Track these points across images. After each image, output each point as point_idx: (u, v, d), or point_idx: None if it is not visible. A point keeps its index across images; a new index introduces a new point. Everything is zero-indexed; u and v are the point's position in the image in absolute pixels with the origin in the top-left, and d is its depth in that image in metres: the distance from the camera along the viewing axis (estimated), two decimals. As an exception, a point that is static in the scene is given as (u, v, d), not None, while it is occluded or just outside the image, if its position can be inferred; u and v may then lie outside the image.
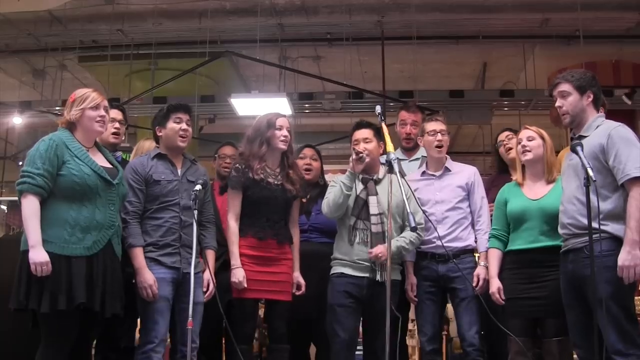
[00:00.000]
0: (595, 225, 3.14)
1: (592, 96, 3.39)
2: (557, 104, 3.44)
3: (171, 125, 3.75)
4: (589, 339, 3.09)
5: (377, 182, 3.91)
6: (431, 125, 4.08)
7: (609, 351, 3.10)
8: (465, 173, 4.08)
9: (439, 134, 4.03)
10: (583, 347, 3.26)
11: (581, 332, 3.25)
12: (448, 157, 4.15)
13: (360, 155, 3.76)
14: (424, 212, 3.87)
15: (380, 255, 3.67)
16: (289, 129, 3.98)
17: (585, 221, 3.15)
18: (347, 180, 3.79)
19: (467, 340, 3.84)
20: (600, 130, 3.32)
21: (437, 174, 4.08)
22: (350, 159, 3.79)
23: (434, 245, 3.92)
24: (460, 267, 3.85)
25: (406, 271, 4.03)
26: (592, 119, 3.39)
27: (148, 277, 3.49)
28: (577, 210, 3.24)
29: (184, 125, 3.77)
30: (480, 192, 4.03)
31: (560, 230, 3.41)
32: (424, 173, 4.13)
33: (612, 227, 3.17)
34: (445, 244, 3.86)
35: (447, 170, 4.08)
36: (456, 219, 3.96)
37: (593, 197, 3.08)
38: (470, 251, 3.97)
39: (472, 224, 4.00)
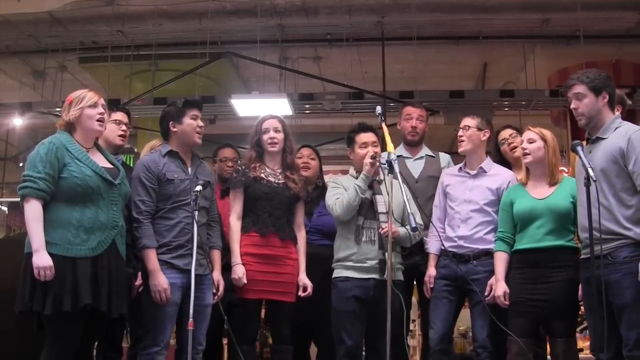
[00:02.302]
0: (620, 230, 3.16)
1: (607, 97, 3.35)
2: (573, 105, 3.40)
3: (188, 121, 3.71)
4: (609, 343, 3.08)
5: (380, 182, 3.93)
6: (460, 123, 4.11)
7: (624, 355, 3.10)
8: (500, 177, 4.02)
9: (461, 129, 4.05)
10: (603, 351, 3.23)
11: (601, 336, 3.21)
12: (488, 157, 4.15)
13: (378, 159, 3.80)
14: (424, 213, 3.90)
15: (386, 232, 3.62)
16: (278, 129, 3.99)
17: (609, 225, 3.16)
18: (362, 184, 3.81)
19: (479, 342, 3.84)
20: (620, 132, 3.29)
21: (472, 172, 4.06)
22: (366, 161, 3.81)
23: (455, 244, 3.92)
24: (480, 269, 3.85)
25: (428, 263, 4.05)
26: (610, 120, 3.35)
27: (162, 280, 3.47)
28: (600, 215, 3.15)
29: (200, 122, 3.75)
30: None
31: (582, 235, 3.37)
32: (460, 169, 4.13)
33: (634, 233, 3.16)
34: (465, 244, 3.90)
35: (483, 170, 4.05)
36: (480, 221, 3.93)
37: (594, 197, 3.09)
38: (492, 254, 3.88)
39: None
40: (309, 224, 4.29)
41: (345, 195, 3.84)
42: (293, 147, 4.14)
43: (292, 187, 3.95)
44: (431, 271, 4.02)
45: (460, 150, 4.08)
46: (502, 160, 4.35)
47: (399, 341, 3.71)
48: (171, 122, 3.73)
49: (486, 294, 3.80)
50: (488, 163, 4.10)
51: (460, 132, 4.05)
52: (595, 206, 3.13)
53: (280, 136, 3.99)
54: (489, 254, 3.88)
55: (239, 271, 3.77)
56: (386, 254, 3.68)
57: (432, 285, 4.00)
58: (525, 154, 3.75)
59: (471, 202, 3.98)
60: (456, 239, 3.92)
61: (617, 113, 3.44)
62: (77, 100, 3.33)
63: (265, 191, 3.89)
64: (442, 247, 3.98)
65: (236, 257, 3.81)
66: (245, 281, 3.76)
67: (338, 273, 3.90)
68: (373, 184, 3.89)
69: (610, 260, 3.15)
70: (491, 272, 3.83)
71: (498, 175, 4.04)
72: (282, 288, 3.86)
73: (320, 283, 3.95)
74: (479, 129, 4.06)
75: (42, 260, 3.02)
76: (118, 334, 3.94)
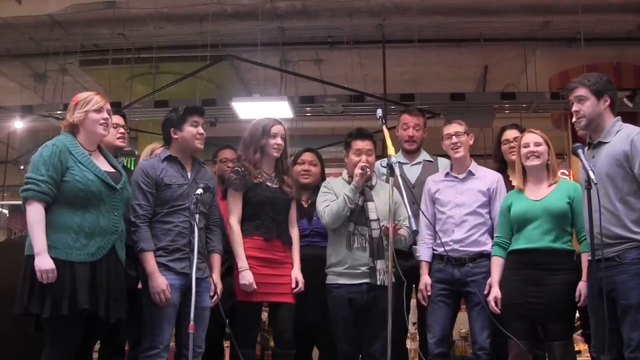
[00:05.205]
0: (627, 234, 3.16)
1: (609, 100, 3.36)
2: (574, 108, 3.41)
3: (189, 128, 3.73)
4: (610, 346, 3.07)
5: (371, 188, 3.95)
6: (446, 129, 4.11)
7: (626, 357, 3.10)
8: (488, 178, 4.06)
9: (453, 136, 4.05)
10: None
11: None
12: (473, 161, 4.15)
13: (367, 170, 3.80)
14: (425, 216, 3.90)
15: (386, 228, 3.54)
16: (284, 136, 4.00)
17: (617, 230, 3.17)
18: (351, 194, 3.82)
19: (479, 344, 3.85)
20: (622, 135, 3.29)
21: (460, 176, 4.08)
22: (356, 172, 3.82)
23: (450, 248, 3.91)
24: (476, 272, 3.86)
25: (421, 271, 4.04)
26: (611, 123, 3.36)
27: (161, 281, 3.48)
28: (606, 219, 3.14)
29: (200, 129, 3.76)
30: (502, 199, 3.97)
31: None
32: (447, 174, 4.13)
33: None
34: (461, 248, 3.90)
35: (471, 174, 4.08)
36: (474, 224, 3.95)
37: (595, 198, 3.09)
38: (487, 256, 3.91)
39: (492, 230, 3.97)
40: (309, 227, 4.28)
41: (334, 204, 3.86)
42: (287, 152, 4.14)
43: (288, 191, 3.98)
44: (425, 279, 4.01)
45: (457, 156, 4.08)
46: (502, 158, 4.34)
47: (396, 344, 3.70)
48: (172, 129, 3.74)
49: (485, 292, 3.80)
50: (474, 166, 4.13)
51: (455, 139, 4.05)
52: (597, 210, 3.11)
53: (284, 143, 4.00)
54: (484, 255, 3.90)
55: (249, 277, 3.75)
56: (376, 261, 3.75)
57: (429, 293, 3.98)
58: (533, 157, 3.74)
59: (464, 205, 3.99)
60: (451, 243, 3.92)
61: (618, 117, 3.44)
62: (82, 103, 3.34)
63: (268, 196, 3.90)
64: (435, 253, 4.00)
65: (243, 262, 3.78)
66: (255, 287, 3.74)
67: (331, 280, 3.92)
68: (364, 190, 3.90)
69: (617, 261, 3.17)
70: (488, 273, 3.85)
71: (486, 177, 4.08)
72: (282, 289, 3.87)
73: (321, 285, 3.95)
74: (467, 134, 4.10)
75: (44, 262, 3.02)
76: (121, 337, 3.93)
